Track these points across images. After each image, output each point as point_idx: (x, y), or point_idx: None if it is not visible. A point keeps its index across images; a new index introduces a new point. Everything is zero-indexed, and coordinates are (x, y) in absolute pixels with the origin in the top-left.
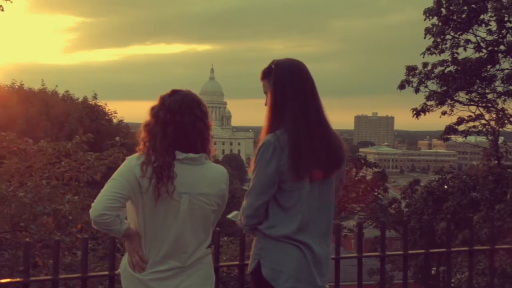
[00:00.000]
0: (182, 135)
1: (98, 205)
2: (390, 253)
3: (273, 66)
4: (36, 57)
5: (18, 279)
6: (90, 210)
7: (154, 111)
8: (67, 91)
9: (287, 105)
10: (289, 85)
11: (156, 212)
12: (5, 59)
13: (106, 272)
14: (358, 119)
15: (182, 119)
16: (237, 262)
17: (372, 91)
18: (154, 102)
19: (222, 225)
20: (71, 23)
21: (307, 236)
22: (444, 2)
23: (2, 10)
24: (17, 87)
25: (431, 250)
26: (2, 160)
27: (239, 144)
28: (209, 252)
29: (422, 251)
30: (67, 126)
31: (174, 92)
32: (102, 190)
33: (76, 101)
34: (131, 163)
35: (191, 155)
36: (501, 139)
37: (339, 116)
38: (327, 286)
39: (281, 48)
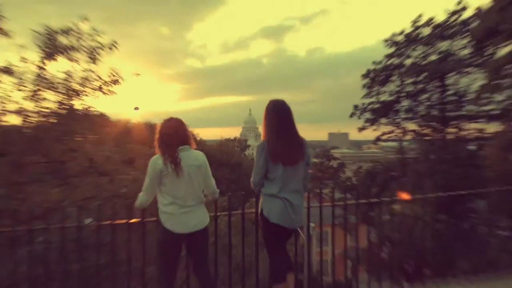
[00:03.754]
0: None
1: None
2: (349, 202)
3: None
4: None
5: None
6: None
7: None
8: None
9: (269, 126)
10: (272, 115)
11: (171, 180)
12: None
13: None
14: (330, 135)
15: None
16: (253, 210)
17: (337, 118)
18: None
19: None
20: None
21: (286, 194)
22: (371, 70)
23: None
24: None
25: (360, 201)
26: None
27: None
28: (203, 200)
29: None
30: None
31: (170, 118)
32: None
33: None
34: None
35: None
36: (405, 143)
37: (318, 133)
38: (313, 224)
39: (287, 97)
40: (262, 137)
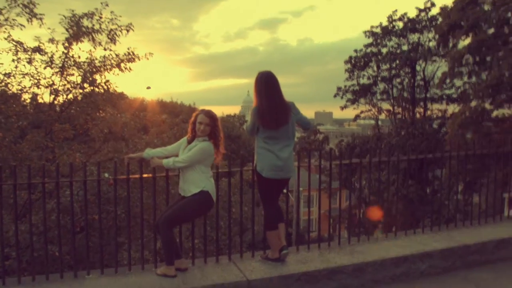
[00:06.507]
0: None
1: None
2: (335, 162)
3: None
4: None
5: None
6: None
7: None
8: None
9: (259, 94)
10: (261, 84)
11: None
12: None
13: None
14: (316, 113)
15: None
16: (250, 168)
17: (323, 99)
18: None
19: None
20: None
21: (276, 150)
22: (353, 57)
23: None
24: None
25: (343, 162)
26: None
27: None
28: None
29: (341, 161)
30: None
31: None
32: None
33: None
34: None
35: None
36: (380, 121)
37: (306, 112)
38: (301, 188)
39: (279, 80)
40: (253, 104)
